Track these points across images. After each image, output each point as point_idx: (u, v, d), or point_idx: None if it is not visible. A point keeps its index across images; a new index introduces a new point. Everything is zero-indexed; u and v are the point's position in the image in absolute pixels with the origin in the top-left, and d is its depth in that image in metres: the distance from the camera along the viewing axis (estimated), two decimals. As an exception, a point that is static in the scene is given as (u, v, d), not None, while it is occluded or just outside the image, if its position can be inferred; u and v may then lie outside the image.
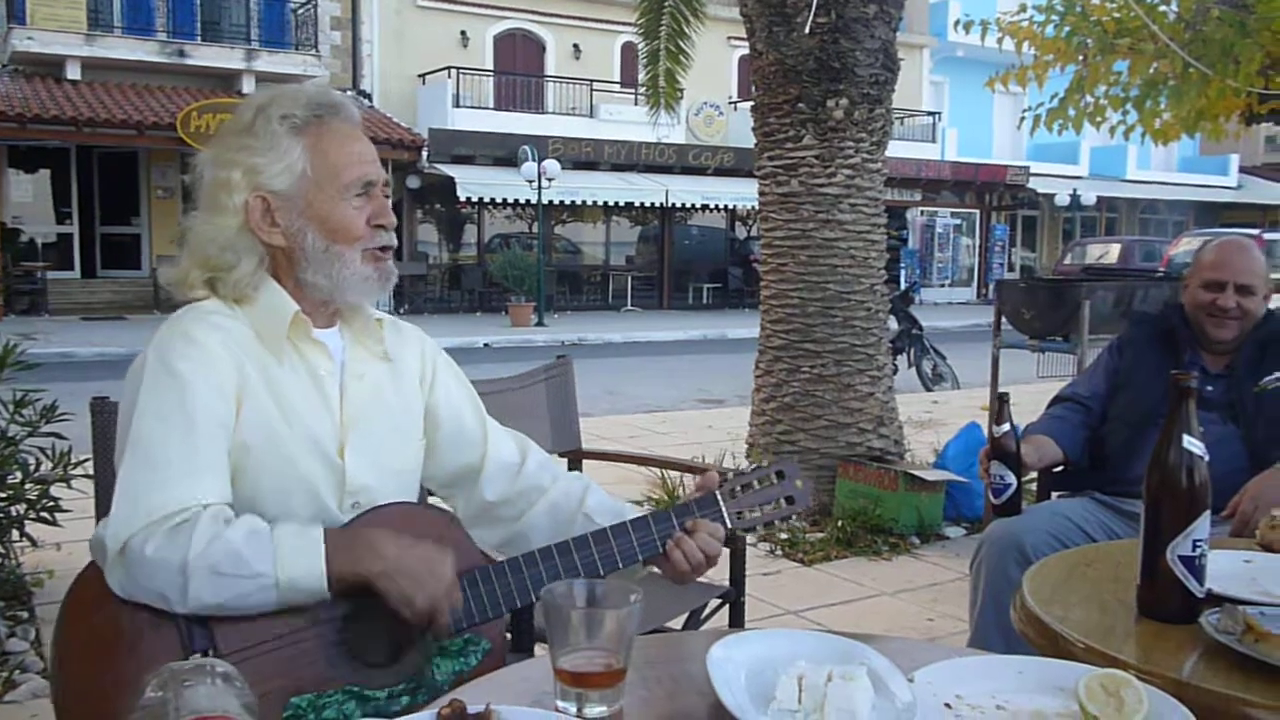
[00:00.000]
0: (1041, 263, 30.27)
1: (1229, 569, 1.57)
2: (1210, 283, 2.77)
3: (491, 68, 23.32)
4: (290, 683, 1.41)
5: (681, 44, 8.60)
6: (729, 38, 23.67)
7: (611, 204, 22.92)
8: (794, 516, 1.67)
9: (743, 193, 22.71)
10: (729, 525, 1.61)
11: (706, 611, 2.66)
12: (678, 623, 2.56)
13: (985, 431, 5.23)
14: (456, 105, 21.62)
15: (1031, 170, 27.97)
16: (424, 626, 1.45)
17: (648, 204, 23.09)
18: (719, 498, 1.62)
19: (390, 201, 1.69)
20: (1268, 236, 18.02)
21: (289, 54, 20.57)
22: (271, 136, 1.56)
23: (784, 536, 4.85)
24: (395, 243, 1.69)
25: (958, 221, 28.99)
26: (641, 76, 9.30)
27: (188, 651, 1.43)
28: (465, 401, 1.79)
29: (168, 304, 1.60)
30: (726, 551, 2.69)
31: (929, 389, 10.62)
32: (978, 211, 29.19)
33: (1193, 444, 1.47)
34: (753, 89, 5.67)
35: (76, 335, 15.52)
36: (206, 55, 19.82)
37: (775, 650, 1.17)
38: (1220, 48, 7.10)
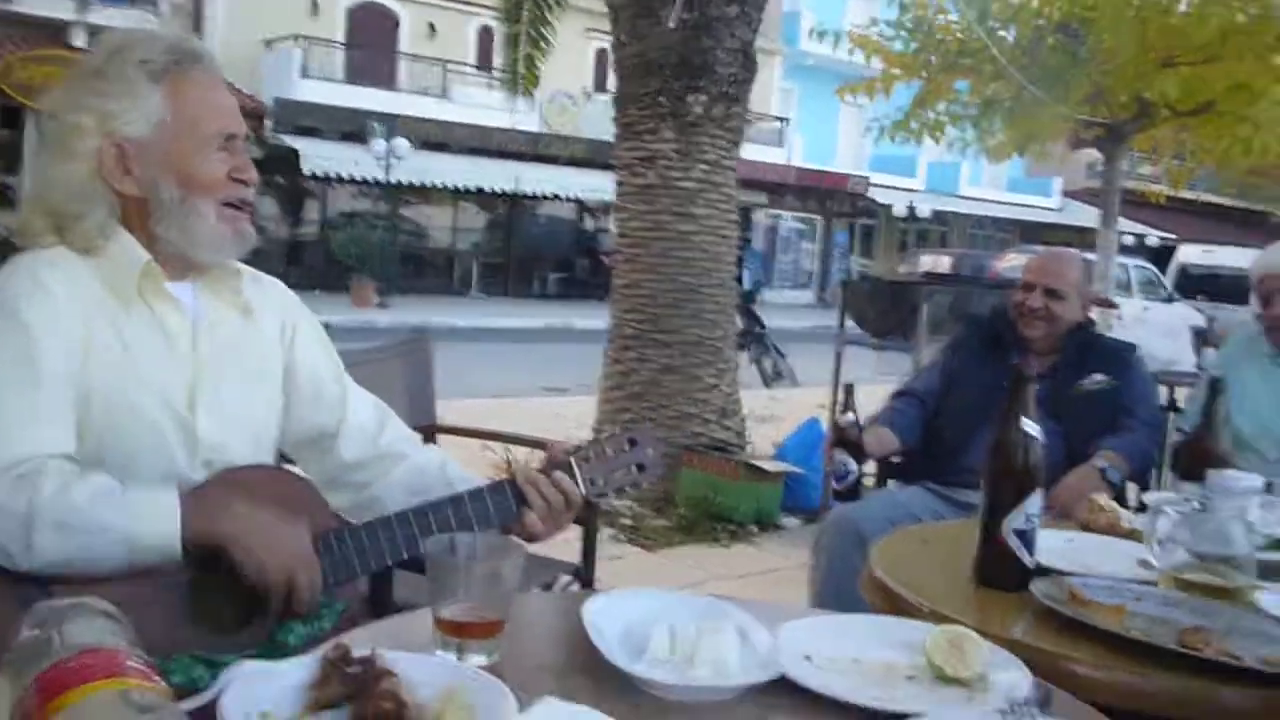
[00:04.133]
0: (877, 269, 31.38)
1: (1054, 546, 1.71)
2: (1024, 284, 2.99)
3: (343, 39, 22.72)
4: None
5: (543, 30, 8.60)
6: (587, 29, 23.66)
7: (461, 188, 22.65)
8: (645, 484, 1.70)
9: (593, 184, 22.77)
10: (583, 491, 1.62)
11: (557, 587, 2.70)
12: (529, 597, 2.58)
13: (825, 427, 5.45)
14: (304, 75, 20.98)
15: (872, 180, 28.94)
16: (279, 599, 1.42)
17: (497, 190, 22.91)
18: (573, 464, 1.62)
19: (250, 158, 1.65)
20: (1087, 256, 19.10)
21: (125, 9, 19.48)
22: (127, 81, 1.50)
23: (627, 522, 4.93)
24: (253, 198, 1.64)
25: (801, 226, 29.80)
26: (500, 60, 9.27)
27: (31, 597, 1.38)
28: (325, 362, 1.76)
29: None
30: (578, 530, 2.76)
31: (768, 386, 10.90)
32: (820, 217, 30.07)
33: (1029, 426, 1.59)
34: (614, 79, 5.73)
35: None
36: (33, 3, 18.64)
37: (644, 608, 1.22)
38: (1053, 74, 7.55)
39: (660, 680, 1.06)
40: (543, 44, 8.73)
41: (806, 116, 29.30)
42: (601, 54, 25.50)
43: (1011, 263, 16.95)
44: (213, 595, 1.46)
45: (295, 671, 0.96)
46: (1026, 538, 1.57)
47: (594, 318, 17.68)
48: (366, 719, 0.92)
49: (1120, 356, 2.99)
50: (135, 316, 1.51)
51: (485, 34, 24.20)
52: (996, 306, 3.23)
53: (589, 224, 27.02)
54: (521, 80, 9.01)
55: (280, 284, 1.76)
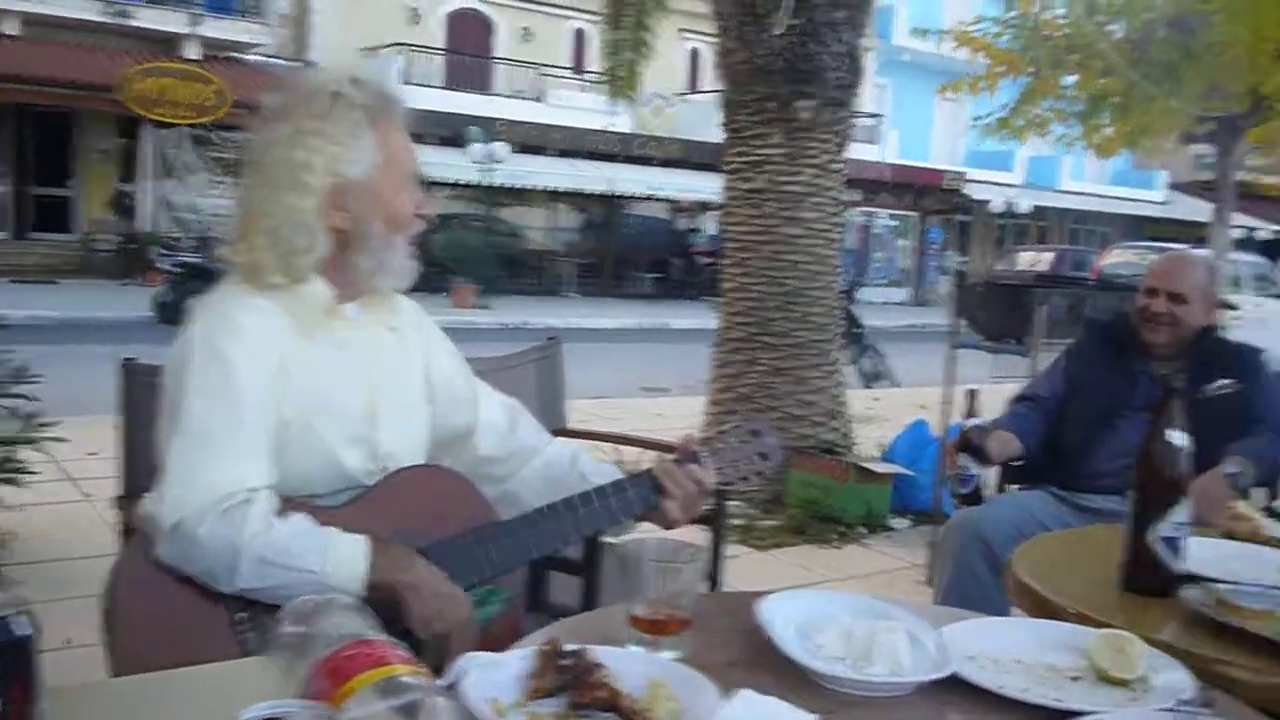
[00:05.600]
0: (973, 267, 30.87)
1: (1199, 553, 1.74)
2: (1147, 288, 2.99)
3: (442, 46, 23.17)
4: None
5: (645, 35, 8.68)
6: (680, 30, 23.78)
7: (557, 189, 22.92)
8: (768, 471, 1.80)
9: (688, 184, 22.88)
10: (714, 479, 1.74)
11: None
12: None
13: (933, 428, 5.45)
14: (404, 82, 21.43)
15: (968, 176, 28.50)
16: (435, 651, 1.48)
17: (592, 191, 23.14)
18: (700, 455, 1.74)
19: None
20: (1202, 253, 18.58)
21: (235, 20, 20.23)
22: (352, 125, 1.62)
23: (738, 523, 5.00)
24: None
25: (895, 223, 29.46)
26: (601, 65, 9.38)
27: (231, 615, 1.53)
28: (455, 366, 1.88)
29: (99, 269, 1.64)
30: (706, 533, 2.84)
31: (868, 386, 10.85)
32: (915, 214, 29.69)
33: (1178, 437, 1.64)
34: (720, 85, 5.80)
35: (7, 298, 15.12)
36: (150, 17, 19.39)
37: (813, 608, 1.31)
38: (1164, 69, 7.41)
39: (841, 676, 1.14)
40: (644, 48, 8.82)
41: (901, 112, 28.96)
42: (694, 54, 25.57)
43: (1116, 259, 16.62)
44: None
45: (517, 663, 1.07)
46: (1174, 545, 1.62)
47: (689, 317, 17.80)
48: (584, 706, 1.02)
49: (1247, 360, 2.97)
50: (319, 344, 1.64)
51: (580, 37, 24.49)
52: (1119, 311, 3.23)
53: (682, 224, 27.11)
54: (623, 85, 9.10)
55: (409, 299, 1.87)
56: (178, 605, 1.51)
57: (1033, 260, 20.78)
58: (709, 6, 5.76)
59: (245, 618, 1.52)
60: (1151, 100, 7.53)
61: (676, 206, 26.31)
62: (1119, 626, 1.29)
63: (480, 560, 1.65)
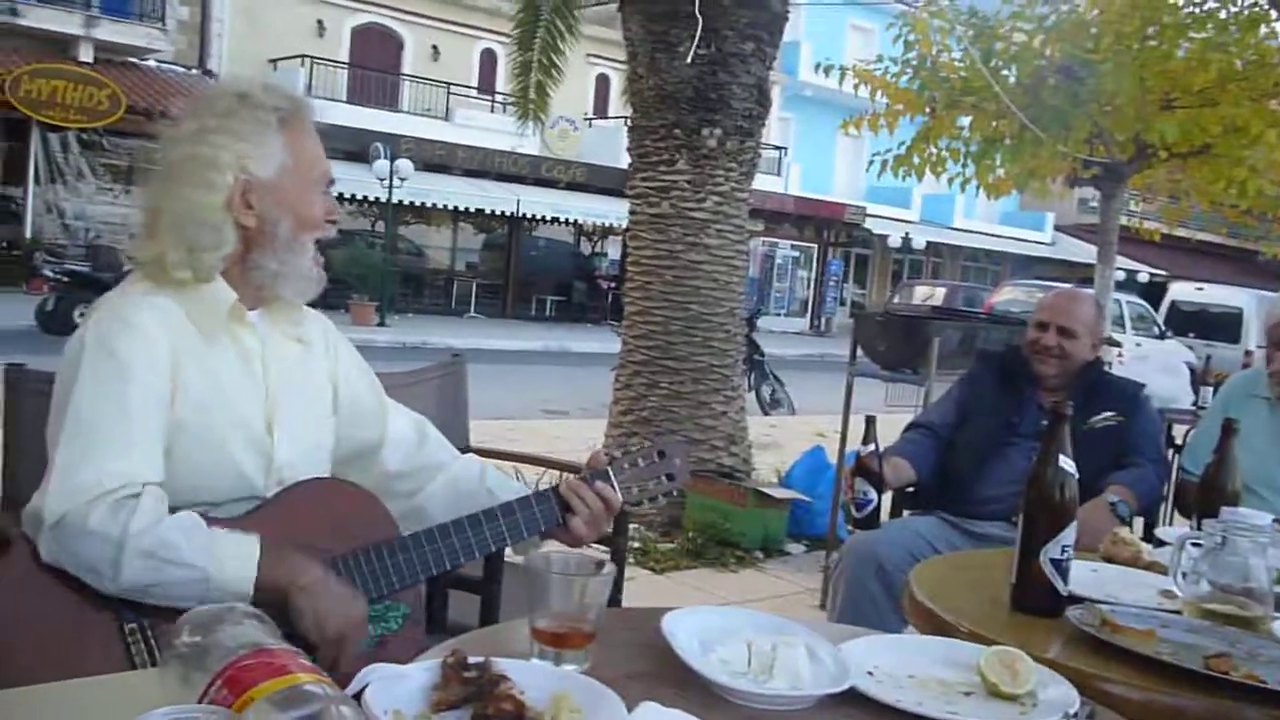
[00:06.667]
0: (871, 300, 31.57)
1: (1081, 576, 1.81)
2: (1037, 323, 3.11)
3: (347, 60, 22.88)
4: None
5: (554, 58, 8.75)
6: (588, 55, 23.88)
7: (461, 209, 22.77)
8: (674, 491, 1.82)
9: (592, 208, 22.96)
10: (621, 498, 1.75)
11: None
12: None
13: (829, 455, 5.55)
14: (308, 95, 21.06)
15: (868, 211, 29.17)
16: (328, 656, 1.46)
17: (497, 212, 23.04)
18: (610, 473, 1.75)
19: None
20: (1088, 292, 19.21)
21: (132, 24, 19.64)
22: (258, 124, 1.62)
23: (636, 545, 5.02)
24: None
25: (796, 254, 29.96)
26: (510, 86, 9.43)
27: (120, 626, 1.48)
28: (362, 380, 1.87)
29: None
30: (607, 551, 2.85)
31: (766, 413, 11.00)
32: (816, 246, 30.25)
33: (1066, 463, 1.70)
34: (630, 111, 5.86)
35: (-124, 301, 14.43)
36: (41, 16, 18.69)
37: (717, 623, 1.32)
38: (1053, 114, 7.70)
39: (743, 690, 1.16)
40: (554, 72, 8.87)
41: (804, 146, 29.52)
42: (602, 80, 25.73)
43: (1007, 296, 17.16)
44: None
45: (420, 675, 1.06)
46: (1061, 567, 1.69)
47: (590, 341, 17.82)
48: (489, 718, 1.01)
49: (1128, 395, 3.10)
50: (217, 348, 1.62)
51: (488, 57, 24.44)
52: (1010, 343, 3.34)
53: (586, 247, 27.18)
54: (532, 107, 9.14)
55: (317, 312, 1.86)
56: (61, 615, 1.46)
57: (927, 294, 21.33)
58: (619, 33, 5.83)
59: (135, 629, 1.48)
60: (1040, 144, 7.81)
61: (581, 230, 26.37)
62: (1009, 644, 1.33)
63: (381, 575, 1.63)
